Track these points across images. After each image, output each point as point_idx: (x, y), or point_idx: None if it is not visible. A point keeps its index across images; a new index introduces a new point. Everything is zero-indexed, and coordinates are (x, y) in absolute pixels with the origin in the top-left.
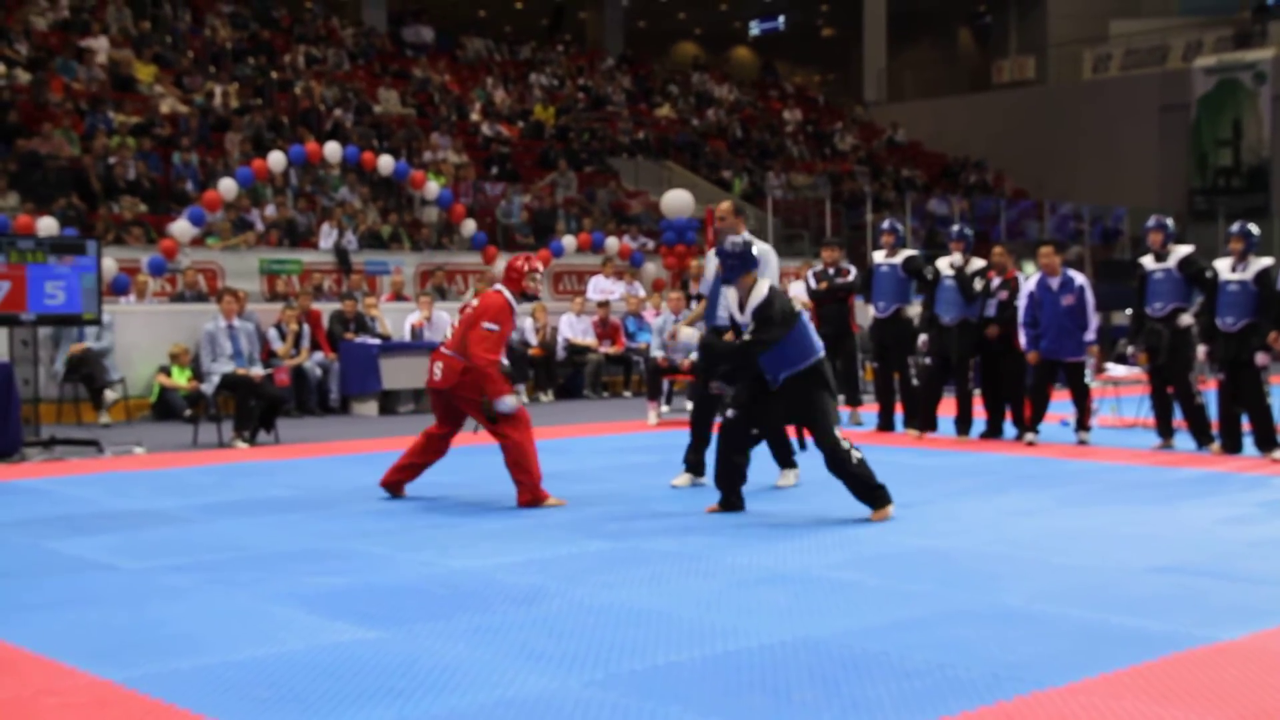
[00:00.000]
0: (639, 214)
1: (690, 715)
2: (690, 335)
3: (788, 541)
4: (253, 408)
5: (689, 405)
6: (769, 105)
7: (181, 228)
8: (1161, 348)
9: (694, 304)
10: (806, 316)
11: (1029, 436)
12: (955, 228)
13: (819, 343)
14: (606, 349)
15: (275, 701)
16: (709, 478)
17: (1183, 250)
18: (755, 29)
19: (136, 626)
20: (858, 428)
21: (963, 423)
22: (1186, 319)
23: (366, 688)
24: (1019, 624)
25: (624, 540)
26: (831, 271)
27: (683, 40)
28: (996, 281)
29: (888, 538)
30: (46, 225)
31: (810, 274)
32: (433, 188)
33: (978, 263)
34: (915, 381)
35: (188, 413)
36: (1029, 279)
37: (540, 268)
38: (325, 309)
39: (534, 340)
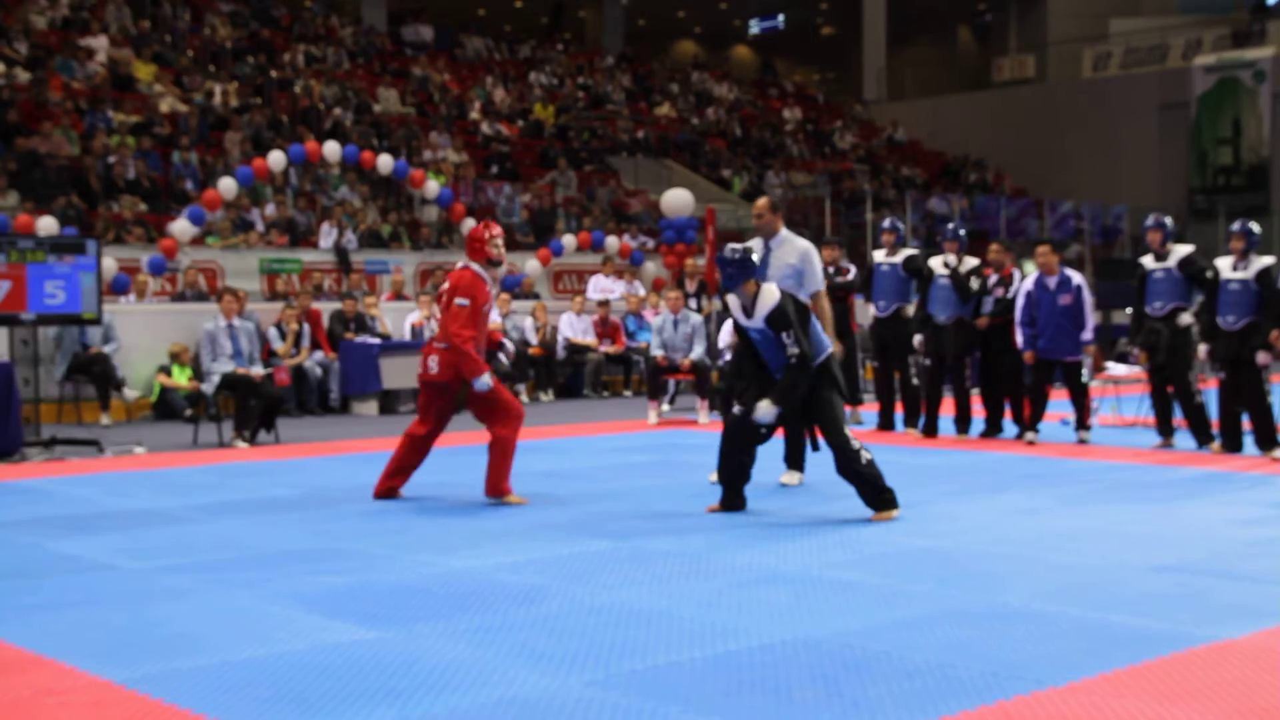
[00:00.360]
0: (639, 213)
1: (690, 715)
2: (768, 410)
3: (788, 541)
4: (253, 407)
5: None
6: (769, 104)
7: (181, 227)
8: (1161, 347)
9: (691, 302)
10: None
11: (1029, 436)
12: (949, 226)
13: (827, 341)
14: (607, 348)
15: (275, 701)
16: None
17: (1183, 250)
18: (755, 27)
19: (136, 626)
20: (858, 426)
21: (961, 422)
22: (1186, 318)
23: (366, 688)
24: (1019, 623)
25: (624, 540)
26: (831, 270)
27: (682, 39)
28: (994, 279)
29: (888, 537)
30: (46, 224)
31: None
32: (432, 187)
33: (971, 261)
34: (915, 381)
35: (188, 412)
36: (1026, 278)
37: (499, 232)
38: (325, 308)
39: (534, 339)
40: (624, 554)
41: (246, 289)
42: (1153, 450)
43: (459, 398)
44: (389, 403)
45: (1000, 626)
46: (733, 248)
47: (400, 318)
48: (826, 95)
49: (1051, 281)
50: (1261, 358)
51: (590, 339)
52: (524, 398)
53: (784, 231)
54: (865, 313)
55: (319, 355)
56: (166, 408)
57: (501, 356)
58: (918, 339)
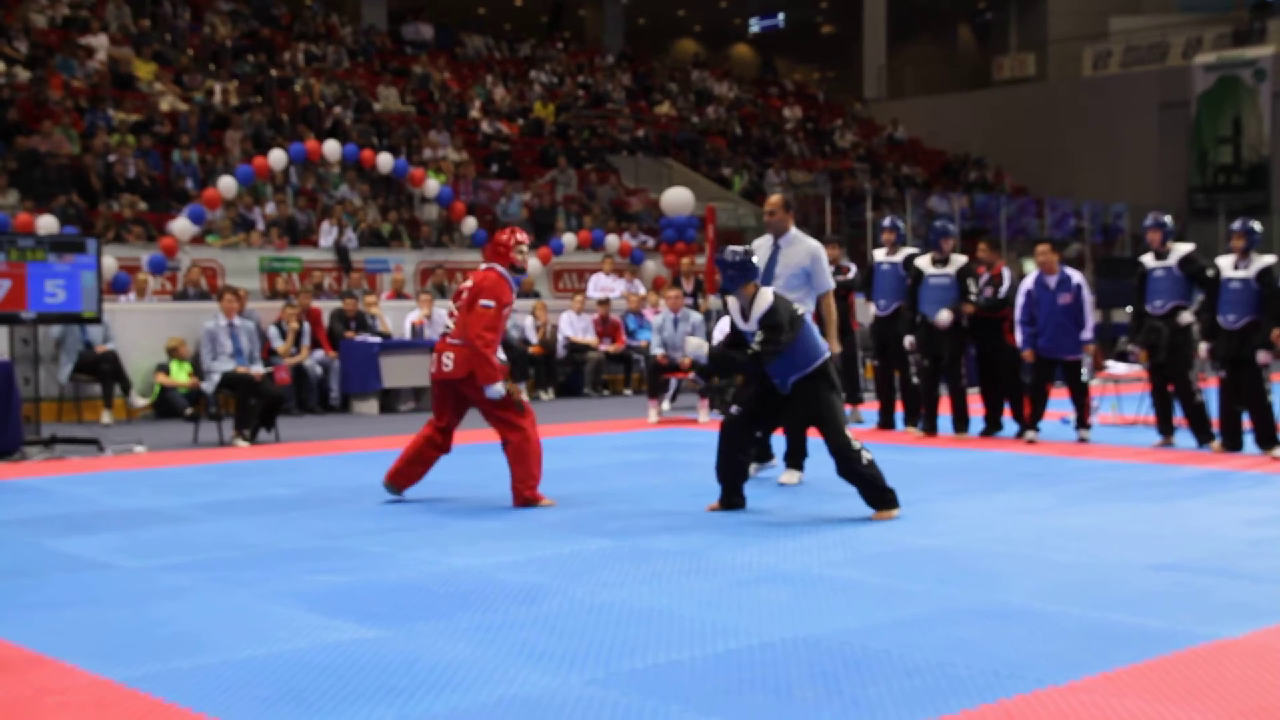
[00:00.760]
0: (639, 212)
1: (691, 714)
2: (698, 345)
3: (788, 540)
4: (253, 406)
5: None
6: (769, 102)
7: (181, 226)
8: (1161, 345)
9: (687, 300)
10: (810, 318)
11: (1029, 435)
12: (938, 223)
13: (824, 344)
14: (607, 347)
15: (276, 700)
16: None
17: (1183, 248)
18: (755, 26)
19: (137, 625)
20: (858, 425)
21: (960, 420)
22: (1186, 317)
23: (367, 686)
24: (1020, 622)
25: (624, 539)
26: (832, 269)
27: (682, 37)
28: (985, 278)
29: (888, 536)
30: (46, 223)
31: None
32: (433, 185)
33: (959, 259)
34: (915, 380)
35: (188, 411)
36: (1026, 277)
37: (525, 239)
38: (325, 307)
39: (534, 338)
40: (624, 553)
41: (247, 288)
42: (1153, 449)
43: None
44: (389, 401)
45: (1000, 625)
46: (733, 250)
47: (400, 316)
48: (827, 94)
49: (1051, 280)
50: (1262, 357)
51: (590, 338)
52: (524, 396)
53: (794, 230)
54: (866, 311)
55: (319, 354)
56: (167, 406)
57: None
58: (909, 340)
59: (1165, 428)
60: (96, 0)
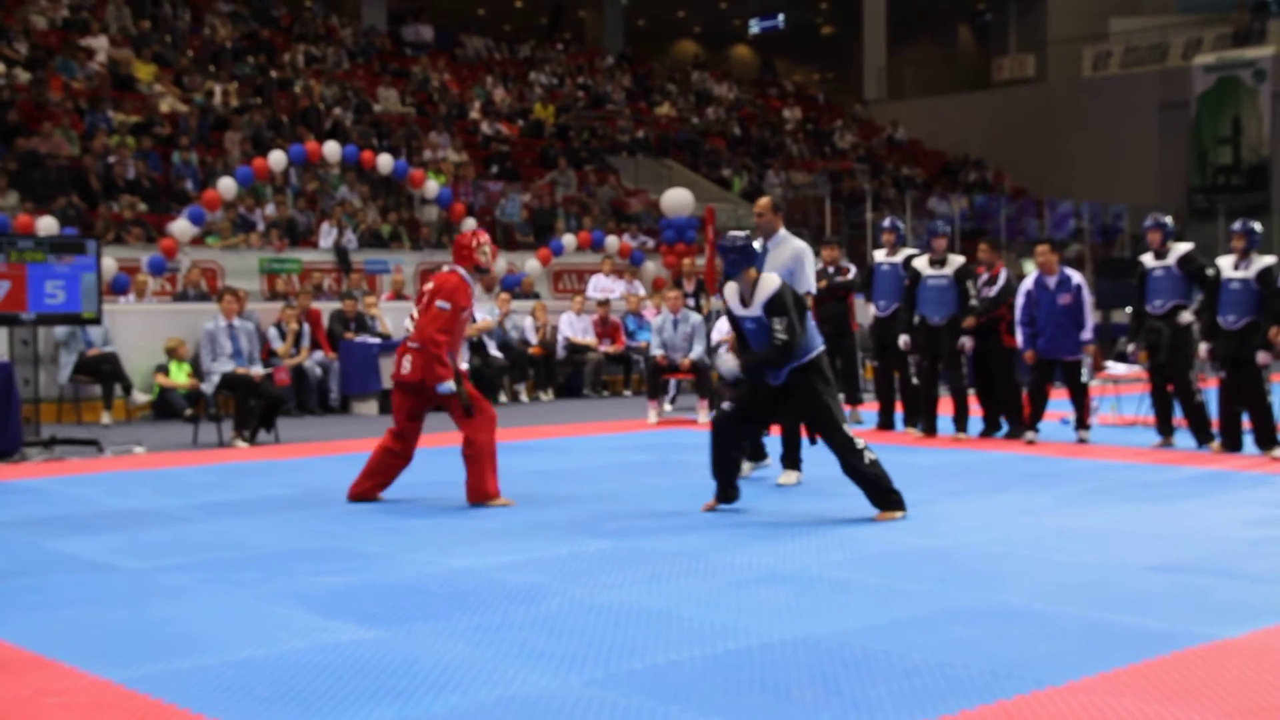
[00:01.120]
0: (639, 212)
1: (690, 714)
2: (731, 363)
3: (787, 541)
4: (253, 407)
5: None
6: (768, 103)
7: (181, 227)
8: (1161, 345)
9: (689, 301)
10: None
11: (1029, 435)
12: (936, 223)
13: (819, 337)
14: (606, 348)
15: (275, 701)
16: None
17: (1183, 248)
18: (755, 27)
19: (136, 626)
20: (858, 426)
21: (960, 421)
22: (1186, 316)
23: (366, 687)
24: (1019, 622)
25: (624, 539)
26: (831, 270)
27: (682, 38)
28: (983, 278)
29: (887, 536)
30: (46, 224)
31: None
32: (432, 186)
33: (957, 259)
34: (915, 380)
35: (188, 412)
36: (1026, 277)
37: (486, 239)
38: (325, 308)
39: (534, 339)
40: (623, 553)
41: (246, 289)
42: (1152, 449)
43: (462, 399)
44: (389, 402)
45: (1000, 626)
46: (734, 234)
47: (400, 317)
48: (826, 95)
49: (1051, 281)
50: (1262, 357)
51: (590, 339)
52: (524, 397)
53: (782, 231)
54: (865, 312)
55: (319, 355)
56: (166, 407)
57: (493, 350)
58: (903, 339)
59: (1165, 428)
60: (96, 2)
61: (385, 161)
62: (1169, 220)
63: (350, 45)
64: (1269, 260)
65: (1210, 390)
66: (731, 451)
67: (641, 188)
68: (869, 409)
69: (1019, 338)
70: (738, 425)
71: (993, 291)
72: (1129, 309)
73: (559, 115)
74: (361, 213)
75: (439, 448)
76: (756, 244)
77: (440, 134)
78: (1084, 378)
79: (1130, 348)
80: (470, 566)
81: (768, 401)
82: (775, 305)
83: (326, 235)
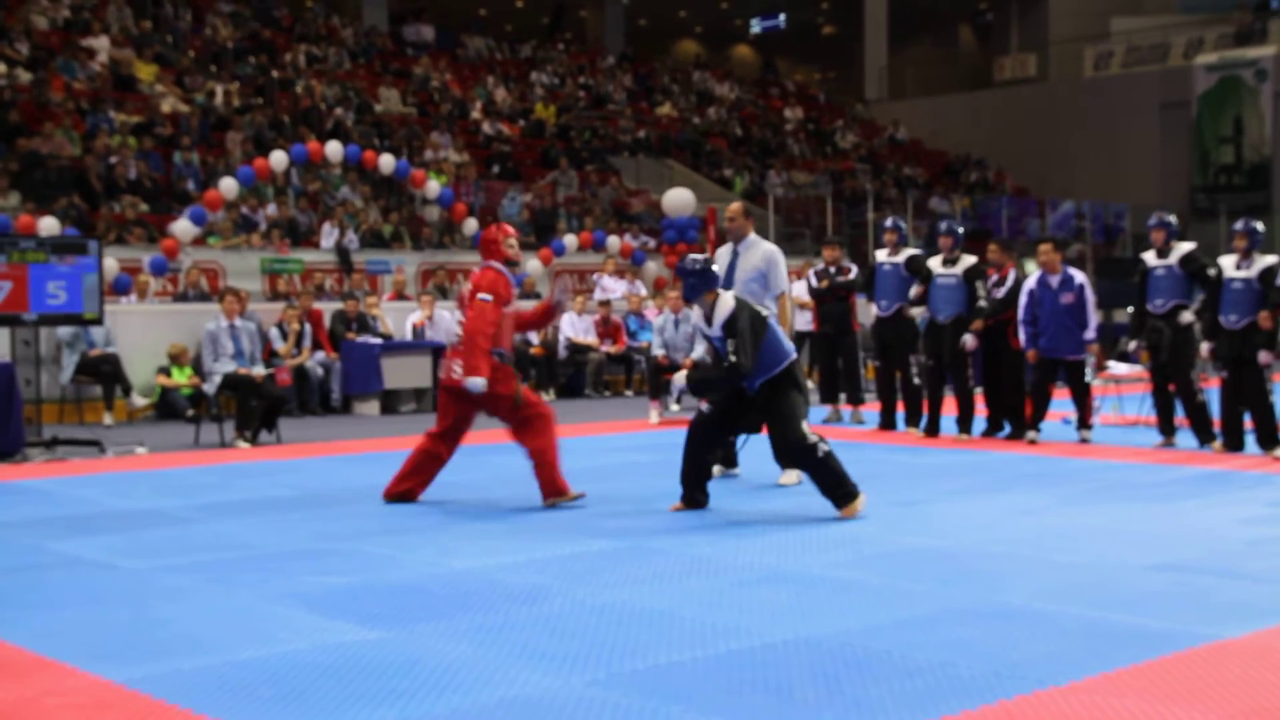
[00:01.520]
0: (640, 212)
1: (692, 714)
2: (680, 381)
3: (789, 541)
4: (254, 407)
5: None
6: (770, 103)
7: (183, 227)
8: (1163, 345)
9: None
10: (775, 321)
11: (1030, 435)
12: (943, 224)
13: (790, 345)
14: (608, 348)
15: (277, 701)
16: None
17: (1185, 247)
18: (756, 27)
19: (138, 626)
20: (860, 426)
21: (964, 421)
22: (1188, 316)
23: (368, 688)
24: (1021, 622)
25: (625, 540)
26: (833, 270)
27: (683, 38)
28: (994, 278)
29: (889, 537)
30: (48, 225)
31: (811, 273)
32: (434, 187)
33: (969, 259)
34: (917, 380)
35: (189, 413)
36: (1029, 276)
37: (512, 232)
38: (327, 308)
39: (536, 339)
40: (625, 553)
41: (248, 289)
42: (1154, 449)
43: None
44: (390, 402)
45: (1001, 626)
46: (693, 258)
47: (402, 318)
48: (828, 95)
49: (1054, 280)
50: (1263, 357)
51: (591, 339)
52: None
53: (752, 235)
54: (867, 312)
55: (320, 355)
56: (168, 408)
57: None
58: (968, 339)
59: (1166, 428)
60: (98, 2)
61: (387, 162)
62: (1173, 219)
63: (351, 45)
64: (1271, 260)
65: (1212, 390)
66: (705, 456)
67: (643, 188)
68: (871, 409)
69: (1021, 337)
70: (714, 430)
71: (1001, 293)
72: (1130, 309)
73: (560, 115)
74: (363, 213)
75: None
76: (717, 265)
77: (441, 134)
78: (1087, 377)
79: (1131, 346)
80: (472, 567)
81: (741, 409)
82: (729, 326)
83: (328, 235)
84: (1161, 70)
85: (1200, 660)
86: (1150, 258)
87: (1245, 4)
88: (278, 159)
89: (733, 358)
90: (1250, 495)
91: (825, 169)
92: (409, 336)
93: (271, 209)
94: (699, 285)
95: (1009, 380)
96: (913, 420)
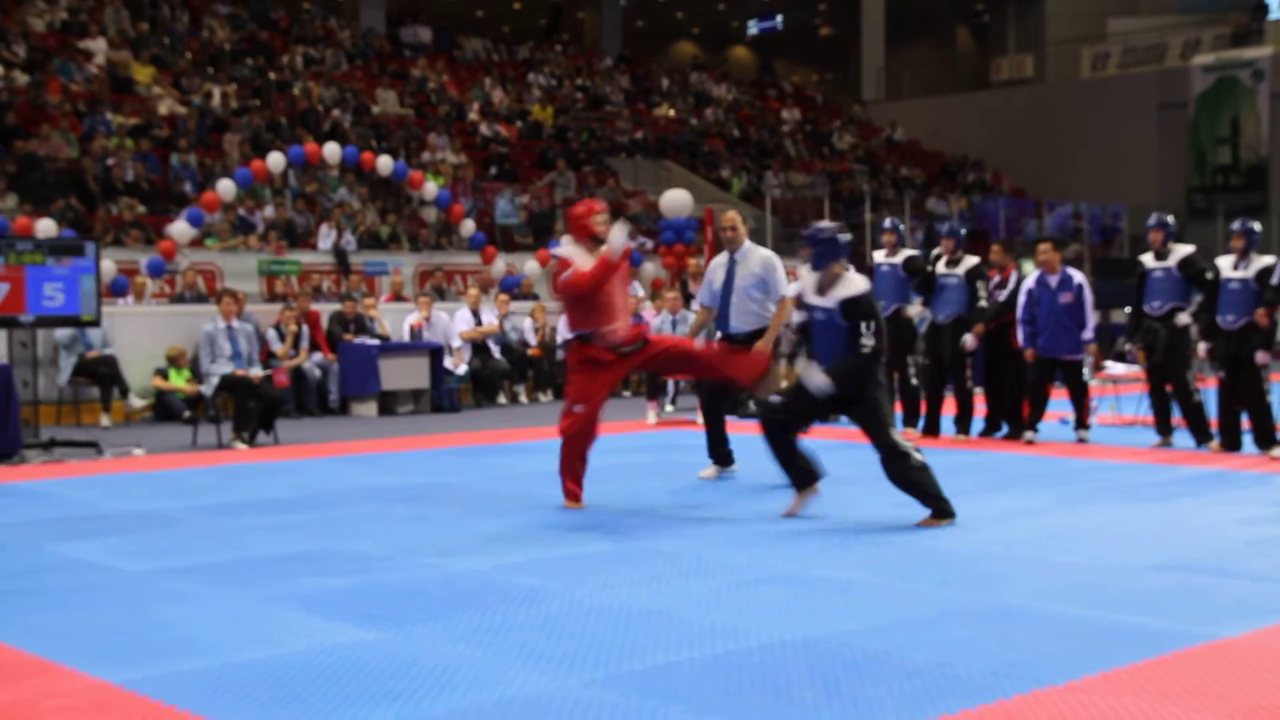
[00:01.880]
0: (638, 214)
1: (690, 715)
2: (820, 380)
3: (788, 541)
4: (252, 409)
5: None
6: (767, 104)
7: (180, 229)
8: (1159, 346)
9: (693, 305)
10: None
11: (1028, 435)
12: (945, 225)
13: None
14: None
15: (275, 703)
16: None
17: (1183, 250)
18: (753, 28)
19: (136, 628)
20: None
21: (963, 421)
22: (1184, 318)
23: (366, 689)
24: (1019, 622)
25: (623, 540)
26: None
27: (681, 40)
28: (996, 279)
29: (887, 537)
30: (45, 227)
31: None
32: (431, 188)
33: (971, 260)
34: (914, 380)
35: (187, 414)
36: (1028, 276)
37: (603, 207)
38: (324, 310)
39: (533, 340)
40: (623, 554)
41: (245, 290)
42: (1152, 449)
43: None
44: (388, 404)
45: (1000, 626)
46: (823, 225)
47: (399, 319)
48: (825, 96)
49: (1053, 280)
50: (1260, 357)
51: None
52: (523, 398)
53: (747, 243)
54: None
55: (318, 356)
56: (165, 409)
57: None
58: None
59: (1164, 428)
60: (95, 4)
61: (385, 163)
62: (1172, 220)
63: (349, 47)
64: (1268, 260)
65: (1209, 390)
66: (789, 441)
67: (640, 189)
68: None
69: (1019, 336)
70: (786, 415)
71: (1003, 295)
72: (1128, 309)
73: (557, 116)
74: (360, 214)
75: (435, 449)
76: (844, 236)
77: (439, 135)
78: (1085, 377)
79: (1128, 347)
80: (470, 568)
81: (820, 401)
82: (861, 308)
83: (325, 237)
84: (1158, 71)
85: (1198, 660)
86: (1148, 260)
87: (1242, 5)
88: (275, 160)
89: (869, 342)
90: (1247, 495)
91: (822, 170)
92: (406, 338)
93: (269, 210)
94: (827, 254)
95: (1009, 381)
96: (910, 420)
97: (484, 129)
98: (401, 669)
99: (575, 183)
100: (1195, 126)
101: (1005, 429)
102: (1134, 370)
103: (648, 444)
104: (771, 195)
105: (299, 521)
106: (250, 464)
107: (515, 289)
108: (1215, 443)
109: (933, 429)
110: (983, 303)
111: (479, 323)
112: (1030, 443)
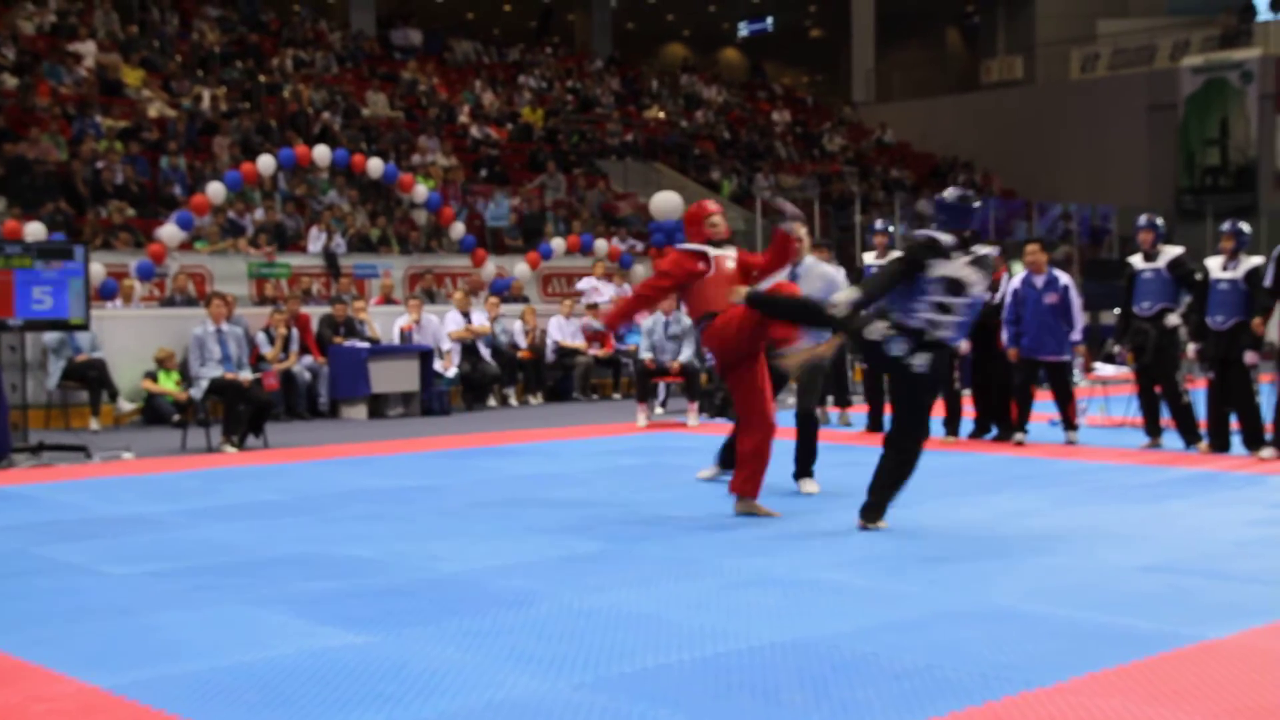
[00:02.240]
0: (628, 216)
1: (679, 718)
2: (924, 360)
3: (776, 543)
4: (241, 412)
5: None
6: (757, 106)
7: (169, 232)
8: (1148, 347)
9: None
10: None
11: (1018, 436)
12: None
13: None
14: (596, 351)
15: (263, 707)
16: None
17: (1172, 251)
18: (744, 30)
19: (124, 632)
20: (847, 428)
21: (952, 423)
22: (1173, 319)
23: (355, 692)
24: (1008, 624)
25: (613, 543)
26: None
27: (671, 42)
28: None
29: (876, 539)
30: (34, 230)
31: None
32: (421, 191)
33: None
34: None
35: (176, 418)
36: (1014, 276)
37: (717, 209)
38: (314, 313)
39: (523, 343)
40: (613, 556)
41: (235, 294)
42: (1141, 450)
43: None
44: (378, 407)
45: (988, 627)
46: (956, 192)
47: (389, 322)
48: (815, 97)
49: (1039, 280)
50: (1250, 357)
51: (579, 342)
52: (513, 401)
53: (809, 257)
54: None
55: (308, 360)
56: (154, 413)
57: (486, 354)
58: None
59: (1153, 429)
60: (84, 7)
61: (375, 166)
62: (1161, 221)
63: (339, 49)
64: (1257, 261)
65: (1198, 391)
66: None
67: (630, 191)
68: (858, 411)
69: (1004, 336)
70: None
71: (994, 297)
72: (1117, 310)
73: (548, 119)
74: (350, 217)
75: (425, 452)
76: (978, 204)
77: (429, 138)
78: (1075, 379)
79: (1117, 349)
80: (459, 570)
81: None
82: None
83: (315, 240)
84: (1148, 73)
85: (1187, 661)
86: (1137, 261)
87: (1231, 6)
88: (265, 163)
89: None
90: (1236, 496)
91: (813, 172)
92: (396, 341)
93: (259, 213)
94: (948, 223)
95: (998, 382)
96: None
97: (474, 131)
98: (391, 672)
99: (565, 185)
100: (1184, 128)
101: (995, 431)
102: (1123, 371)
103: (637, 446)
104: (762, 197)
105: (288, 525)
106: (239, 467)
107: (505, 292)
108: (1204, 444)
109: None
110: None
111: (469, 325)
112: (1020, 444)
